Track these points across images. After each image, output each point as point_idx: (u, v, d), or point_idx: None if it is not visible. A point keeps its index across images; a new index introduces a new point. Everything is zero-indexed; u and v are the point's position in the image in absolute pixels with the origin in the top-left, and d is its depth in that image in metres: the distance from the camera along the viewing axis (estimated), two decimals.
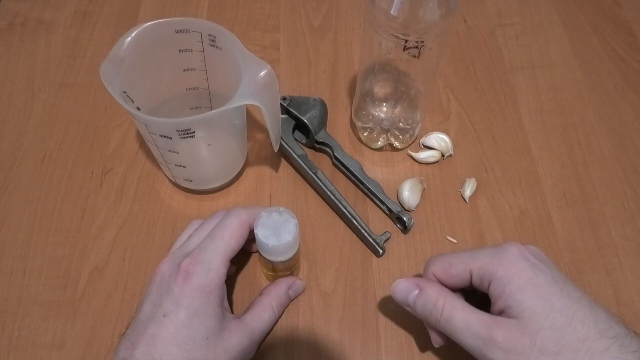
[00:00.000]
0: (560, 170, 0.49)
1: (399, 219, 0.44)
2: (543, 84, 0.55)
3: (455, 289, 0.35)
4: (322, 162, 0.49)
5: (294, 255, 0.38)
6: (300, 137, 0.49)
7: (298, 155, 0.46)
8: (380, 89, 0.47)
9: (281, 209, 0.37)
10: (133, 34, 0.39)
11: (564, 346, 0.29)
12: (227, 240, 0.35)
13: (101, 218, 0.45)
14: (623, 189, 0.48)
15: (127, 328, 0.34)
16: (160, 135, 0.38)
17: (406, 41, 0.38)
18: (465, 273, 0.33)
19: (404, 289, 0.35)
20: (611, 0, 0.63)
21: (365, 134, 0.49)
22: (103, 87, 0.36)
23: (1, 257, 0.43)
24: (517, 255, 0.32)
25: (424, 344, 0.40)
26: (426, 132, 0.50)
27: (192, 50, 0.42)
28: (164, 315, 0.32)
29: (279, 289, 0.40)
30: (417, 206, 0.46)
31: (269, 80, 0.37)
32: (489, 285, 0.32)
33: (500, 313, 0.32)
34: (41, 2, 0.60)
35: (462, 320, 0.32)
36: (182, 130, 0.37)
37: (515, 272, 0.31)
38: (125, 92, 0.39)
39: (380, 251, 0.43)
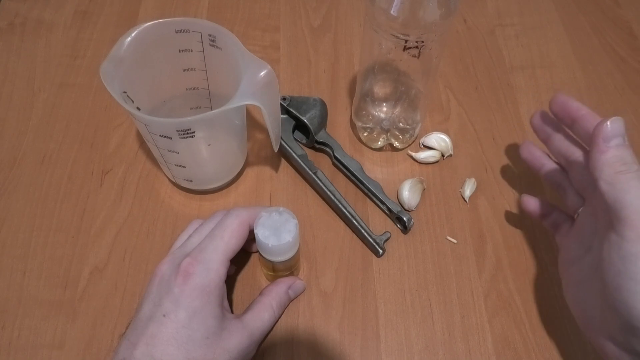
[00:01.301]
0: None
1: (399, 219, 0.44)
2: (543, 84, 0.55)
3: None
4: (322, 162, 0.49)
5: (294, 255, 0.38)
6: (300, 137, 0.49)
7: (298, 155, 0.46)
8: (380, 89, 0.47)
9: (281, 209, 0.37)
10: (133, 34, 0.39)
11: None
12: (227, 240, 0.35)
13: (101, 218, 0.45)
14: None
15: (127, 328, 0.34)
16: (160, 135, 0.38)
17: (406, 41, 0.38)
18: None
19: (617, 130, 0.32)
20: (611, 0, 0.63)
21: (365, 134, 0.49)
22: (103, 87, 0.36)
23: (1, 257, 0.43)
24: None
25: (424, 344, 0.40)
26: (426, 132, 0.50)
27: (192, 50, 0.42)
28: (164, 315, 0.32)
29: (279, 289, 0.40)
30: (417, 206, 0.46)
31: (269, 80, 0.37)
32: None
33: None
34: (41, 2, 0.60)
35: None
36: (182, 130, 0.37)
37: None
38: (125, 92, 0.39)
39: (380, 251, 0.43)
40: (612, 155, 0.32)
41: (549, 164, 0.42)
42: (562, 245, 0.39)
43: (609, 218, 0.31)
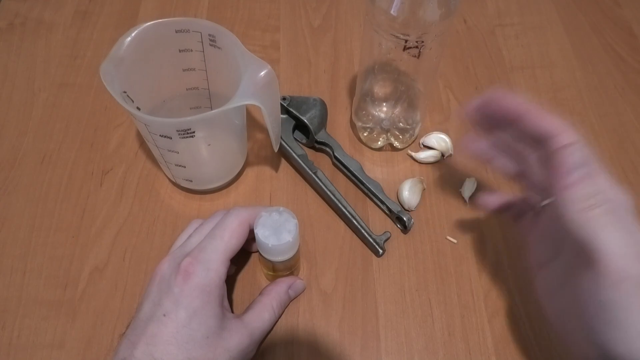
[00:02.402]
0: None
1: (399, 218, 0.44)
2: (543, 84, 0.55)
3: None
4: (322, 162, 0.49)
5: (294, 255, 0.38)
6: (300, 137, 0.49)
7: (298, 155, 0.46)
8: (380, 89, 0.47)
9: (281, 208, 0.37)
10: (133, 34, 0.39)
11: None
12: (227, 240, 0.35)
13: (101, 218, 0.45)
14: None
15: (127, 328, 0.34)
16: (160, 135, 0.38)
17: (406, 41, 0.38)
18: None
19: (580, 159, 0.29)
20: (611, 0, 0.63)
21: (365, 134, 0.49)
22: (103, 87, 0.36)
23: (1, 257, 0.43)
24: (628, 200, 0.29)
25: (424, 344, 0.40)
26: (426, 132, 0.50)
27: (192, 50, 0.42)
28: (164, 315, 0.32)
29: (279, 289, 0.40)
30: (417, 206, 0.46)
31: (269, 80, 0.37)
32: None
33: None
34: (41, 2, 0.60)
35: (614, 228, 0.28)
36: (182, 130, 0.37)
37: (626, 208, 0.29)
38: (125, 92, 0.39)
39: (380, 251, 0.43)
40: (576, 191, 0.28)
41: (499, 157, 0.37)
42: (527, 240, 0.36)
43: (579, 252, 0.29)
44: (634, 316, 0.27)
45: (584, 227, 0.28)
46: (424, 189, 0.47)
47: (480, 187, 0.47)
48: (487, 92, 0.33)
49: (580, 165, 0.29)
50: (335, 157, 0.47)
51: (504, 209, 0.39)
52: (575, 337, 0.31)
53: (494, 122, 0.34)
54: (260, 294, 0.40)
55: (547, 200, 0.35)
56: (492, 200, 0.39)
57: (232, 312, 0.40)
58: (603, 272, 0.27)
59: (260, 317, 0.37)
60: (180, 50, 0.42)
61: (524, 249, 0.38)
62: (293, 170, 0.48)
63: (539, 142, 0.31)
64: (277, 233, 0.36)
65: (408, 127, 0.48)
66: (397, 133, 0.48)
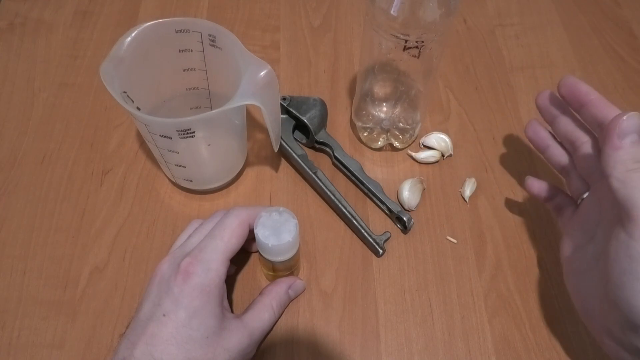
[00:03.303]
0: None
1: (399, 219, 0.44)
2: (543, 84, 0.55)
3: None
4: (322, 162, 0.49)
5: (294, 255, 0.38)
6: (300, 137, 0.49)
7: (298, 155, 0.46)
8: (380, 89, 0.47)
9: (281, 208, 0.37)
10: (133, 34, 0.39)
11: None
12: (227, 240, 0.35)
13: (101, 218, 0.45)
14: None
15: (127, 328, 0.34)
16: (160, 135, 0.38)
17: (406, 41, 0.38)
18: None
19: (633, 126, 0.31)
20: (611, 0, 0.63)
21: (365, 134, 0.49)
22: (103, 87, 0.36)
23: (1, 257, 0.43)
24: None
25: (424, 344, 0.40)
26: (426, 132, 0.50)
27: (192, 50, 0.42)
28: (164, 315, 0.32)
29: (279, 289, 0.40)
30: (417, 206, 0.46)
31: (269, 80, 0.37)
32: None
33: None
34: (41, 2, 0.60)
35: None
36: (182, 130, 0.37)
37: None
38: (125, 92, 0.39)
39: (380, 251, 0.43)
40: (626, 152, 0.31)
41: (553, 146, 0.41)
42: (564, 231, 0.39)
43: (617, 214, 0.31)
44: None
45: (626, 186, 0.30)
46: (424, 189, 0.47)
47: (480, 187, 0.47)
48: (563, 79, 0.37)
49: (631, 132, 0.31)
50: (335, 157, 0.47)
51: (547, 199, 0.42)
52: (598, 316, 0.33)
53: (560, 109, 0.39)
54: (260, 294, 0.40)
55: (587, 193, 0.38)
56: (537, 186, 0.42)
57: (232, 312, 0.40)
58: (638, 226, 0.29)
59: (260, 317, 0.37)
60: (180, 50, 0.42)
61: (558, 239, 0.41)
62: (293, 170, 0.48)
63: (599, 127, 0.35)
64: (277, 233, 0.36)
65: (408, 127, 0.48)
66: (397, 133, 0.48)
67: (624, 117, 0.31)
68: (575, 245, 0.37)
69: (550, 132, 0.42)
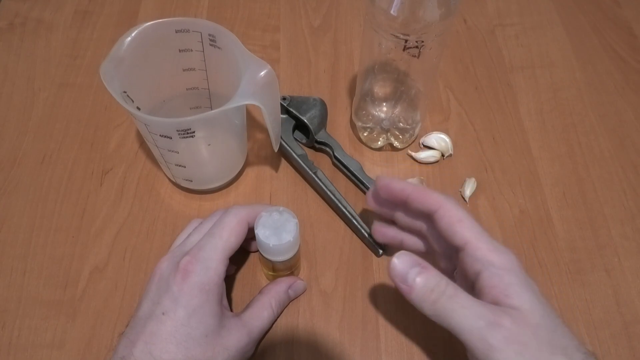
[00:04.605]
0: (560, 170, 0.49)
1: None
2: (543, 84, 0.55)
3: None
4: (322, 162, 0.49)
5: (294, 255, 0.38)
6: (300, 137, 0.49)
7: (298, 155, 0.46)
8: (380, 89, 0.47)
9: (281, 208, 0.37)
10: (133, 34, 0.39)
11: (555, 348, 0.29)
12: (226, 239, 0.35)
13: (101, 218, 0.45)
14: (623, 189, 0.48)
15: (126, 327, 0.34)
16: (160, 135, 0.38)
17: (406, 41, 0.38)
18: (438, 217, 0.33)
19: (407, 264, 0.31)
20: (611, 0, 0.63)
21: (365, 134, 0.49)
22: (103, 87, 0.36)
23: (1, 257, 0.43)
24: (515, 259, 0.32)
25: (424, 344, 0.40)
26: (426, 132, 0.50)
27: (192, 50, 0.42)
28: (163, 314, 0.32)
29: (279, 288, 0.40)
30: None
31: (269, 80, 0.37)
32: (480, 270, 0.31)
33: (491, 300, 0.31)
34: (41, 2, 0.60)
35: (467, 301, 0.30)
36: (182, 130, 0.37)
37: (514, 268, 0.31)
38: (125, 92, 0.39)
39: (380, 251, 0.43)
40: (418, 291, 0.30)
41: (407, 238, 0.39)
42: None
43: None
44: None
45: (441, 318, 0.30)
46: None
47: (480, 187, 0.47)
48: (376, 181, 0.36)
49: (409, 270, 0.31)
50: (335, 157, 0.47)
51: (398, 244, 0.40)
52: None
53: (390, 206, 0.38)
54: (260, 292, 0.40)
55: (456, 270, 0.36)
56: (384, 232, 0.40)
57: (232, 311, 0.40)
58: (473, 350, 0.29)
59: (259, 315, 0.37)
60: (180, 50, 0.42)
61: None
62: (293, 170, 0.48)
63: (428, 218, 0.34)
64: (278, 233, 0.36)
65: (408, 127, 0.48)
66: (397, 133, 0.48)
67: (394, 262, 0.31)
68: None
69: (396, 228, 0.40)
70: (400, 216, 0.38)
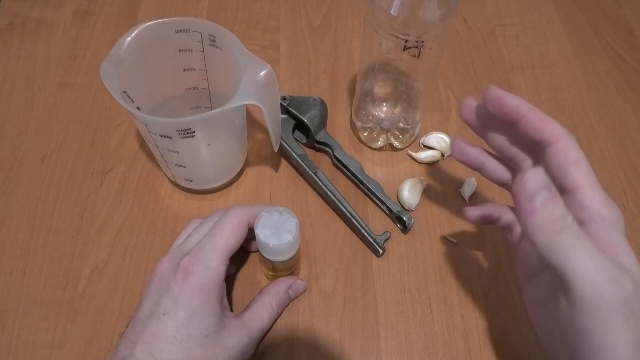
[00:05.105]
0: None
1: (399, 218, 0.44)
2: (543, 84, 0.55)
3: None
4: (322, 162, 0.49)
5: (295, 255, 0.38)
6: (300, 137, 0.49)
7: (298, 155, 0.46)
8: (380, 89, 0.47)
9: (281, 208, 0.37)
10: (133, 34, 0.39)
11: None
12: (226, 239, 0.35)
13: (101, 218, 0.45)
14: (623, 189, 0.48)
15: (126, 327, 0.34)
16: (160, 135, 0.38)
17: (406, 41, 0.38)
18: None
19: (539, 183, 0.27)
20: (611, 0, 0.63)
21: (365, 134, 0.49)
22: (103, 87, 0.36)
23: (1, 257, 0.43)
24: (622, 218, 0.30)
25: (424, 344, 0.40)
26: (426, 132, 0.50)
27: (192, 50, 0.42)
28: (164, 314, 0.32)
29: (279, 288, 0.40)
30: (417, 206, 0.46)
31: (269, 80, 0.37)
32: (586, 221, 0.29)
33: None
34: (41, 2, 0.60)
35: (591, 246, 0.26)
36: (182, 130, 0.37)
37: (622, 228, 0.30)
38: (125, 92, 0.39)
39: (380, 251, 0.43)
40: (540, 215, 0.27)
41: (489, 162, 0.35)
42: (517, 252, 0.35)
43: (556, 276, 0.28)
44: (611, 342, 0.26)
45: (554, 253, 0.26)
46: (424, 189, 0.47)
47: (480, 187, 0.47)
48: (487, 91, 0.31)
49: (539, 191, 0.27)
50: (335, 157, 0.47)
51: (489, 221, 0.37)
52: (559, 352, 0.30)
53: (489, 124, 0.33)
54: (260, 292, 0.40)
55: None
56: (478, 214, 0.37)
57: (232, 311, 0.40)
58: (577, 298, 0.26)
59: (259, 315, 0.37)
60: (180, 50, 0.42)
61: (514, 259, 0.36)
62: (293, 170, 0.48)
63: (536, 147, 0.31)
64: (278, 233, 0.36)
65: (408, 127, 0.48)
66: (397, 133, 0.48)
67: (527, 176, 0.27)
68: (529, 273, 0.33)
69: (481, 149, 0.36)
70: (495, 137, 0.33)
